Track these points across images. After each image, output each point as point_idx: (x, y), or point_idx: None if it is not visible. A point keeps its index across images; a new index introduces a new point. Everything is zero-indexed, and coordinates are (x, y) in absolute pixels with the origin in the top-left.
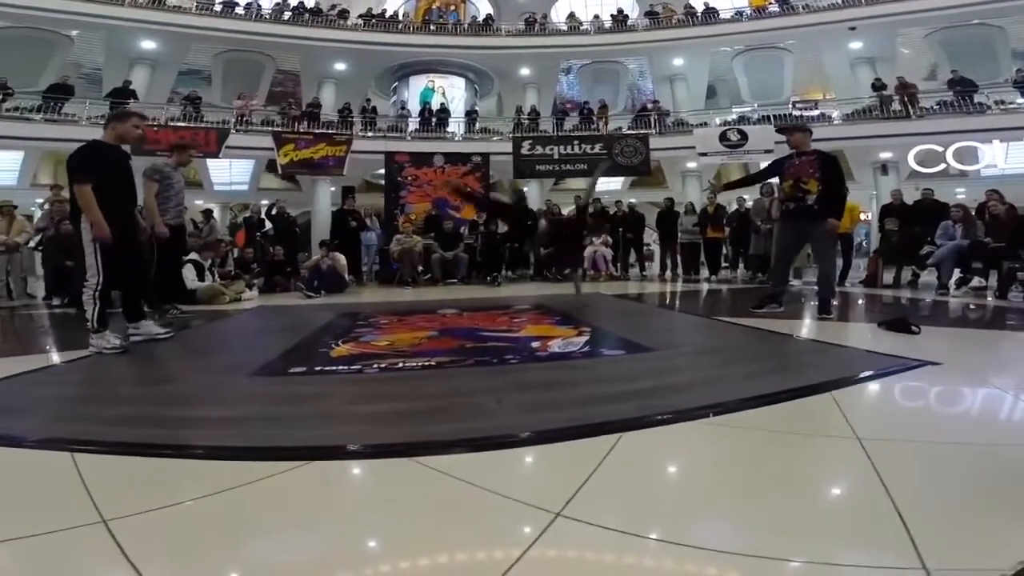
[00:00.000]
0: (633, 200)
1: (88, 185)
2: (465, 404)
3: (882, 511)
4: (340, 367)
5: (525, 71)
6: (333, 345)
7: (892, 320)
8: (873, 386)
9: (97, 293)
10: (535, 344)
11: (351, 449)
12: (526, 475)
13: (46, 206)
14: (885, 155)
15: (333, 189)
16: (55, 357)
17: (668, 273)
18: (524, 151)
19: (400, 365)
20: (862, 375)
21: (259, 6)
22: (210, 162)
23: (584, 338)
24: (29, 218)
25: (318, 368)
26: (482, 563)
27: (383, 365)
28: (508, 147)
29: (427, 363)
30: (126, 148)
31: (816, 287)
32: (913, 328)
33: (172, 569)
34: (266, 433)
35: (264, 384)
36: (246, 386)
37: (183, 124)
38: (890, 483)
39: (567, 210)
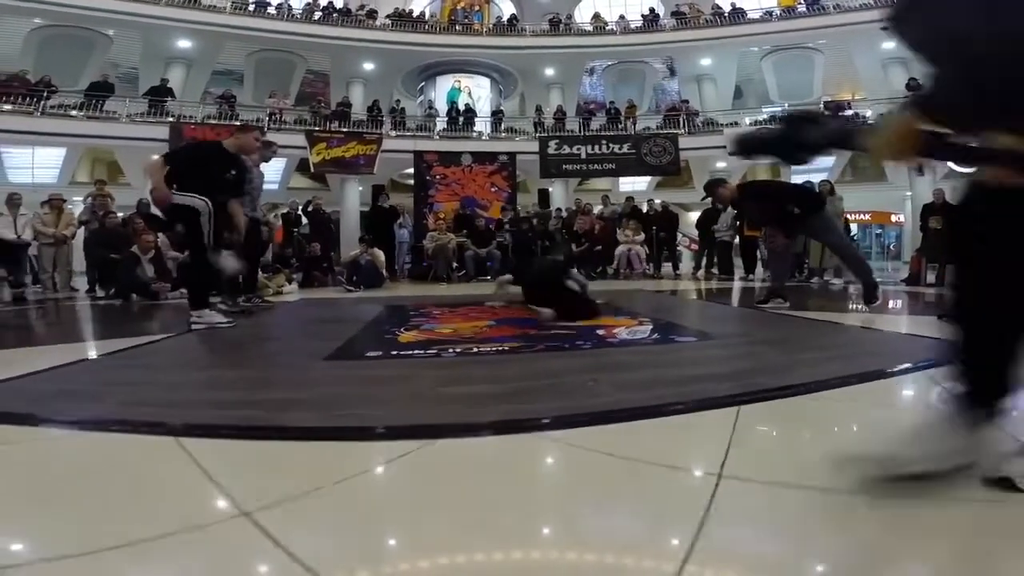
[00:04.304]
0: (662, 200)
1: (161, 159)
2: (559, 384)
3: None
4: (416, 351)
5: (549, 71)
6: (397, 332)
7: None
8: None
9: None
10: (600, 332)
11: (474, 425)
12: (667, 445)
13: (88, 200)
14: None
15: (361, 188)
16: (133, 341)
17: (702, 272)
18: (551, 150)
19: (475, 350)
20: None
21: (290, 6)
22: None
23: (648, 327)
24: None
25: (393, 352)
26: (674, 518)
27: (458, 350)
28: (535, 146)
29: (500, 348)
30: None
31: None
32: None
33: (336, 556)
34: (373, 413)
35: (345, 367)
36: (327, 369)
37: (218, 122)
38: None
39: (596, 208)
